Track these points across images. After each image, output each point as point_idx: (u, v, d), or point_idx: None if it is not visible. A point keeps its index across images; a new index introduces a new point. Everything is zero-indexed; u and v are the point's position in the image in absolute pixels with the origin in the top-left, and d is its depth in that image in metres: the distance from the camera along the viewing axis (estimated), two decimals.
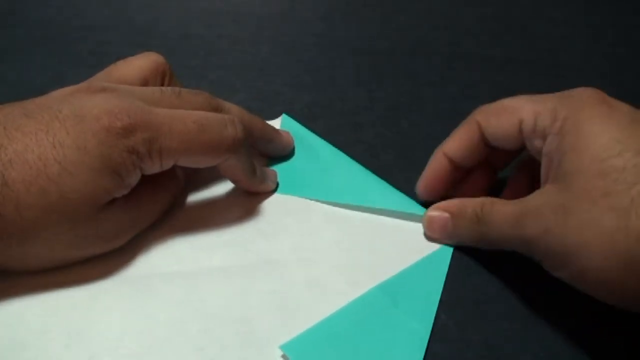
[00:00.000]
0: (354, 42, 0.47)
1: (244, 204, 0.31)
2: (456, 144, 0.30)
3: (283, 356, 0.24)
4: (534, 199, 0.25)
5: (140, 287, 0.27)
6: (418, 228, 0.30)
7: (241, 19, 0.49)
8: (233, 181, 0.31)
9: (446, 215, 0.29)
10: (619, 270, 0.22)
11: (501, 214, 0.26)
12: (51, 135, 0.24)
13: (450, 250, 0.29)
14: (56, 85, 0.27)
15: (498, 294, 0.28)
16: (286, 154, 0.34)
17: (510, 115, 0.28)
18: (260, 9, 0.50)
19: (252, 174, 0.30)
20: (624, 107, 0.25)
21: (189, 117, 0.27)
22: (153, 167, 0.26)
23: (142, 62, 0.30)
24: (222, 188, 0.32)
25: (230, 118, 0.28)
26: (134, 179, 0.26)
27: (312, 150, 0.35)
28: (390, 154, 0.36)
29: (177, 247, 0.29)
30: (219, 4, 0.51)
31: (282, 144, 0.34)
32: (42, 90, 0.27)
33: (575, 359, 0.25)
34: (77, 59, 0.43)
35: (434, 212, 0.30)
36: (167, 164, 0.27)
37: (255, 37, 0.47)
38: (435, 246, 0.30)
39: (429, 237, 0.30)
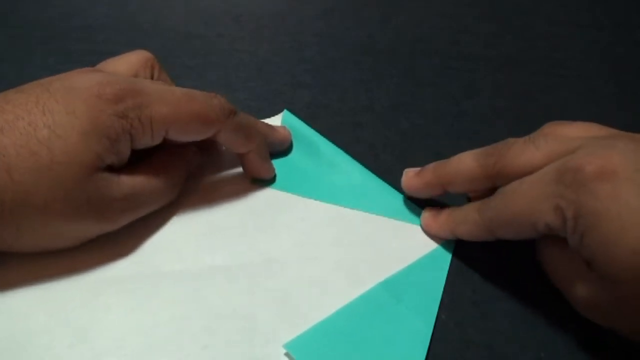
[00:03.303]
0: (353, 41, 0.47)
1: (246, 202, 0.31)
2: (461, 188, 0.29)
3: (287, 354, 0.24)
4: None
5: (144, 285, 0.27)
6: (418, 226, 0.31)
7: (241, 19, 0.49)
8: (237, 154, 0.31)
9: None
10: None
11: None
12: (41, 105, 0.25)
13: (451, 247, 0.30)
14: None
15: (498, 294, 0.28)
16: (284, 149, 0.34)
17: (521, 225, 0.25)
18: (260, 9, 0.50)
19: (249, 141, 0.30)
20: (626, 167, 0.22)
21: (177, 89, 0.28)
22: (144, 135, 0.27)
23: (131, 57, 0.31)
24: (224, 187, 0.32)
25: (215, 94, 0.29)
26: (123, 146, 0.26)
27: (313, 148, 0.35)
28: (390, 154, 0.36)
29: (179, 245, 0.29)
30: (219, 4, 0.51)
31: (279, 139, 0.34)
32: None
33: (575, 359, 0.25)
34: (77, 59, 0.43)
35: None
36: (158, 134, 0.27)
37: (255, 37, 0.47)
38: (436, 243, 0.30)
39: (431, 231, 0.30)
